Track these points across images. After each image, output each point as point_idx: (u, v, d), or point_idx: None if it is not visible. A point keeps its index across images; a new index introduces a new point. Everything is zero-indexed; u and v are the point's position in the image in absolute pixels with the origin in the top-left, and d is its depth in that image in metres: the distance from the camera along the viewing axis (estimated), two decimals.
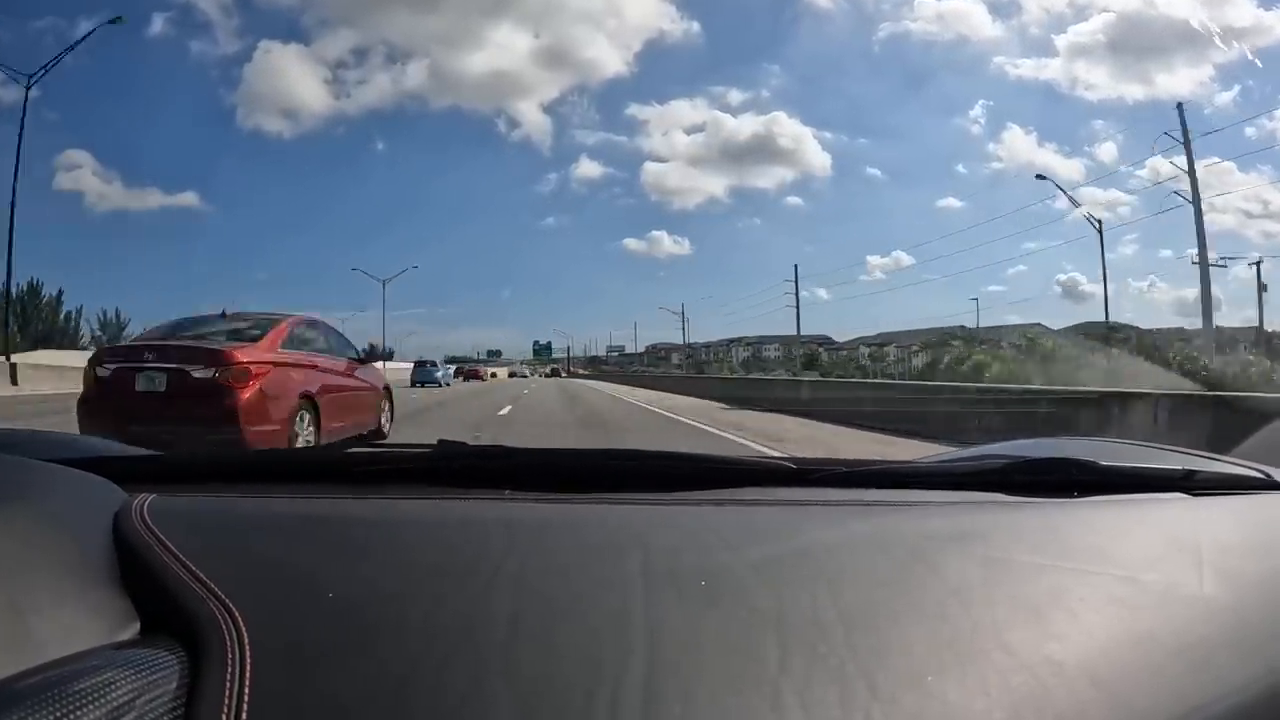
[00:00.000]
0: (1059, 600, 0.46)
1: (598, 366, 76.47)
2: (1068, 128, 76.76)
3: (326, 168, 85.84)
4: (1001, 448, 0.91)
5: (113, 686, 0.34)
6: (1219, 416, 5.65)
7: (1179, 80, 54.92)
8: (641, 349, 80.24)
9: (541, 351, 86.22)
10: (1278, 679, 0.43)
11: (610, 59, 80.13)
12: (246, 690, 0.35)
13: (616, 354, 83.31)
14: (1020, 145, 62.60)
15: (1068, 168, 53.64)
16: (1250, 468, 0.76)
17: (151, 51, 64.64)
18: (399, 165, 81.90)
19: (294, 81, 68.59)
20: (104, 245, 74.68)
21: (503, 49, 75.61)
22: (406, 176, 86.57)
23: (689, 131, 75.17)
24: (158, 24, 63.66)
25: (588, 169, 76.45)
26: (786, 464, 0.71)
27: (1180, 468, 0.74)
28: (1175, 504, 0.69)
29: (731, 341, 73.25)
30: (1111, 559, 0.53)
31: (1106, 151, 53.87)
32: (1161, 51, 60.21)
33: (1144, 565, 0.52)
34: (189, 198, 70.86)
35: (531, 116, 79.92)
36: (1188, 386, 9.68)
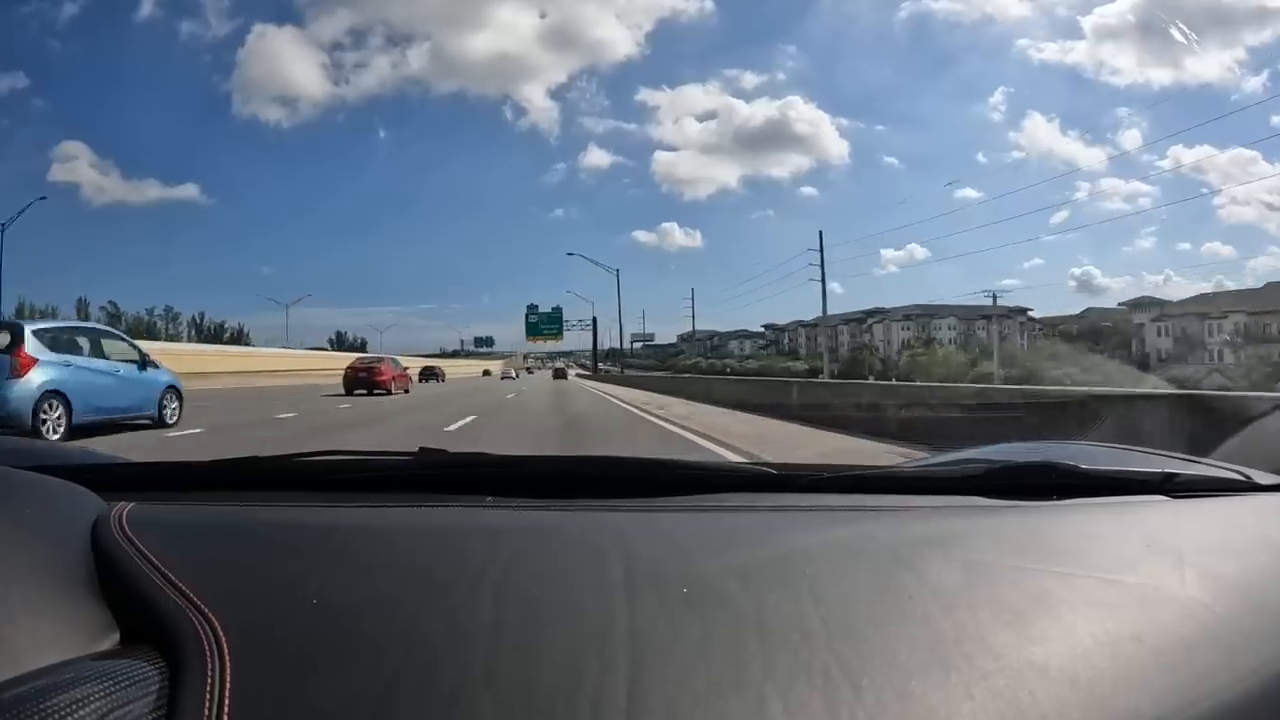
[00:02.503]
0: (1041, 603, 0.47)
1: (618, 361, 64.79)
2: (1092, 115, 74.79)
3: (327, 157, 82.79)
4: (981, 452, 0.91)
5: (91, 698, 0.34)
6: None
7: (1208, 65, 54.11)
8: (672, 339, 69.48)
9: (541, 326, 54.91)
10: (1258, 680, 0.44)
11: (620, 40, 74.17)
12: (226, 700, 0.35)
13: (642, 343, 71.13)
14: (1042, 133, 61.58)
15: (1089, 156, 53.05)
16: (1229, 469, 0.77)
17: (143, 37, 62.53)
18: (401, 154, 79.73)
19: (290, 66, 66.33)
20: (103, 239, 75.63)
21: (507, 29, 70.77)
22: (409, 166, 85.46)
23: (701, 119, 71.10)
24: (147, 6, 62.22)
25: (596, 158, 69.82)
26: (768, 469, 0.71)
27: (1160, 470, 0.74)
28: (1155, 506, 0.70)
29: (870, 314, 59.81)
30: (1092, 561, 0.53)
31: (1131, 139, 51.98)
32: (1193, 33, 57.44)
33: (1125, 567, 0.52)
34: (189, 190, 68.23)
35: (538, 102, 72.78)
36: None
